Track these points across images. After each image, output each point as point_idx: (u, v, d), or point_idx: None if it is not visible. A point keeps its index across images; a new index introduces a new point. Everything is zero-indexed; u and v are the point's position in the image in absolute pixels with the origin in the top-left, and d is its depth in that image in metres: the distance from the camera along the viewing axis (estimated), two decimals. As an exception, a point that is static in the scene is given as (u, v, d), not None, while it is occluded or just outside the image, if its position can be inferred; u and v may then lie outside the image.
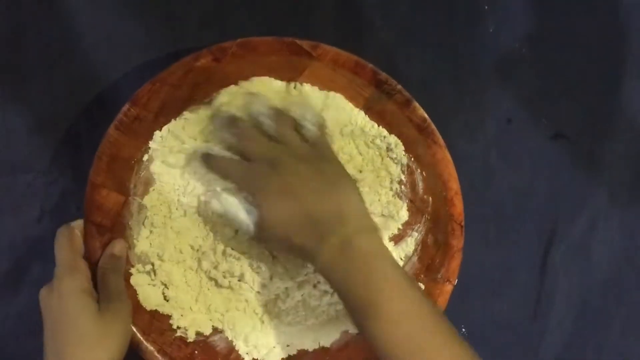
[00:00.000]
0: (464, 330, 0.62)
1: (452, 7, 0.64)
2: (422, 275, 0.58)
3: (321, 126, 0.54)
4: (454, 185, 0.58)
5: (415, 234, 0.59)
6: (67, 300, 0.50)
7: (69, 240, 0.53)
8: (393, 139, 0.58)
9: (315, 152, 0.52)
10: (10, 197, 0.59)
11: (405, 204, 0.59)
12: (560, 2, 0.65)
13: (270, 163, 0.50)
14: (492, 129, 0.64)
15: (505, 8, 0.64)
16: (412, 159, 0.58)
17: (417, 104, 0.57)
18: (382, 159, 0.58)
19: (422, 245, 0.59)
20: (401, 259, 0.59)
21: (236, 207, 0.52)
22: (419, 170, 0.58)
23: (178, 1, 0.60)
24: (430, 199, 0.58)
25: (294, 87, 0.57)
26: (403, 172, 0.58)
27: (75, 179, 0.60)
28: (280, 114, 0.53)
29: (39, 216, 0.60)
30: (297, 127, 0.53)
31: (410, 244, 0.59)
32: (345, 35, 0.62)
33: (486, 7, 0.64)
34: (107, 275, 0.53)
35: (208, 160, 0.54)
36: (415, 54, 0.63)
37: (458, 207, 0.58)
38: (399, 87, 0.57)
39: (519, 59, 0.64)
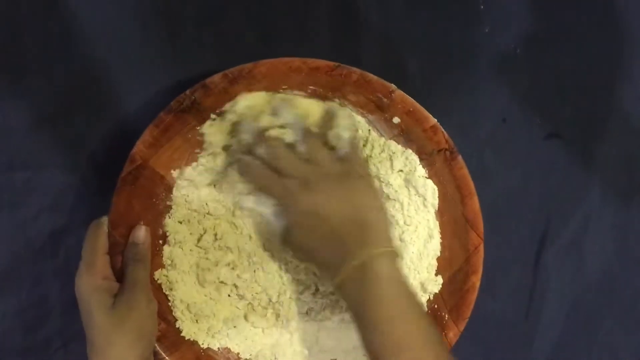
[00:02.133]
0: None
1: (448, 7, 0.64)
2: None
3: (353, 142, 0.54)
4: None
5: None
6: (82, 297, 0.52)
7: (93, 237, 0.53)
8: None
9: (345, 170, 0.53)
10: (9, 194, 0.59)
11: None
12: (556, 3, 0.65)
13: (300, 182, 0.52)
14: (486, 128, 0.64)
15: (501, 8, 0.64)
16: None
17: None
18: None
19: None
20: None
21: (267, 207, 0.54)
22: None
23: (176, 1, 0.60)
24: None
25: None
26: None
27: (74, 176, 0.60)
28: (309, 134, 0.54)
29: (37, 213, 0.60)
30: (328, 141, 0.54)
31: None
32: (342, 34, 0.62)
33: (482, 7, 0.64)
34: (127, 265, 0.54)
35: (245, 170, 0.55)
36: (411, 53, 0.63)
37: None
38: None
39: (514, 59, 0.64)
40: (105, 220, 0.54)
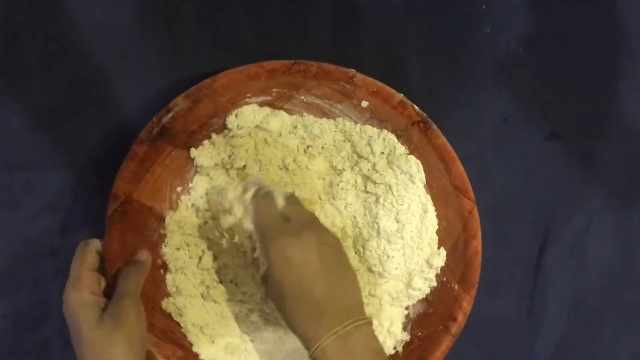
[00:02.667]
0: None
1: (450, 8, 0.64)
2: None
3: (292, 199, 0.53)
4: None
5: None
6: (70, 312, 0.51)
7: (81, 253, 0.53)
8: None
9: (313, 231, 0.51)
10: (8, 194, 0.59)
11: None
12: (557, 3, 0.65)
13: (300, 230, 0.49)
14: (488, 128, 0.64)
15: (503, 9, 0.64)
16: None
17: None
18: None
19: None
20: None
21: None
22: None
23: (176, 1, 0.60)
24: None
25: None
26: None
27: (73, 176, 0.60)
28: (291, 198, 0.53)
29: (36, 213, 0.60)
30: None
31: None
32: (343, 35, 0.62)
33: (483, 7, 0.64)
34: (119, 278, 0.54)
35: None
36: (412, 53, 0.63)
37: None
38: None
39: (516, 59, 0.64)
40: (95, 241, 0.55)
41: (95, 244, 0.54)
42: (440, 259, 0.59)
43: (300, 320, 0.48)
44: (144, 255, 0.56)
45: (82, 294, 0.51)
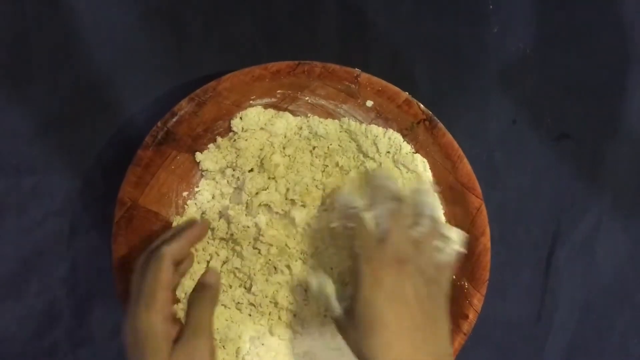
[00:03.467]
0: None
1: (457, 8, 0.63)
2: None
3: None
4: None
5: None
6: (138, 337, 0.45)
7: (156, 269, 0.46)
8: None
9: (438, 279, 0.49)
10: (16, 199, 0.59)
11: None
12: (565, 2, 0.65)
13: (398, 259, 0.47)
14: (496, 129, 0.64)
15: (510, 8, 0.63)
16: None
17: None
18: None
19: None
20: None
21: (331, 290, 0.51)
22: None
23: (182, 4, 0.60)
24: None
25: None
26: None
27: (80, 180, 0.60)
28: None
29: (43, 217, 0.60)
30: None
31: None
32: (349, 37, 0.62)
33: (490, 7, 0.63)
34: (192, 308, 0.48)
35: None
36: (419, 54, 0.63)
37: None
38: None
39: (524, 59, 0.64)
40: (167, 252, 0.48)
41: (168, 258, 0.47)
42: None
43: (377, 347, 0.45)
44: (213, 278, 0.49)
45: (156, 319, 0.45)
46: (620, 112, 0.65)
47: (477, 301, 0.59)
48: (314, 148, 0.58)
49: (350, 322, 0.47)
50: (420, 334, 0.46)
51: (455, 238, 0.50)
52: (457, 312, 0.59)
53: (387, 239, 0.48)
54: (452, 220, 0.59)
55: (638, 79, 0.65)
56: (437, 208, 0.58)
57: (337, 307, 0.49)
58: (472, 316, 0.59)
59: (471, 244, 0.59)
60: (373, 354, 0.45)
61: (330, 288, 0.51)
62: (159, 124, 0.55)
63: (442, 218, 0.58)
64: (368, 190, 0.54)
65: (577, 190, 0.65)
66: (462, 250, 0.51)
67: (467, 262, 0.59)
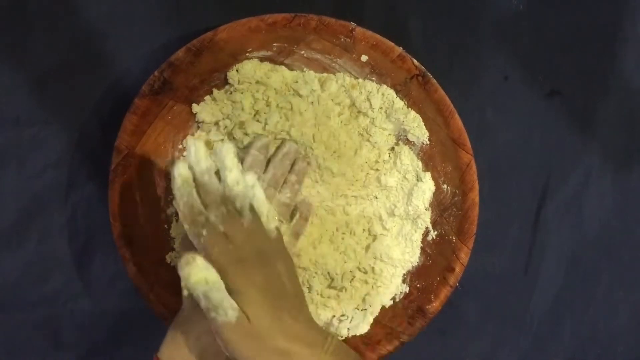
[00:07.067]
0: (459, 286, 0.63)
1: (451, -36, 0.63)
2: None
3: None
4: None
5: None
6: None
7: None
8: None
9: (273, 254, 0.49)
10: (15, 150, 0.60)
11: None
12: (559, -42, 0.65)
13: (255, 253, 0.47)
14: (488, 86, 0.65)
15: (504, -36, 0.63)
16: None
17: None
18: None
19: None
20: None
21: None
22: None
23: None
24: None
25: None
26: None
27: (79, 132, 0.60)
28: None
29: (43, 169, 0.60)
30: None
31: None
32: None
33: (485, -36, 0.64)
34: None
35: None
36: (412, 11, 0.63)
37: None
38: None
39: (516, 15, 0.64)
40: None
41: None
42: (426, 215, 0.60)
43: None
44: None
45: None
46: (611, 69, 0.66)
47: (464, 255, 0.60)
48: (311, 103, 0.59)
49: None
50: (298, 324, 0.47)
51: (265, 213, 0.48)
52: (444, 266, 0.60)
53: (213, 256, 0.46)
54: (443, 176, 0.60)
55: (629, 37, 0.66)
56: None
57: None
58: (459, 269, 0.60)
59: (460, 199, 0.60)
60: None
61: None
62: (155, 73, 0.56)
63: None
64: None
65: (567, 145, 0.66)
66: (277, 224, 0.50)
67: (456, 216, 0.60)
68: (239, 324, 0.45)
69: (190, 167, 0.47)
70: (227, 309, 0.44)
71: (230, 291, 0.45)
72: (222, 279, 0.45)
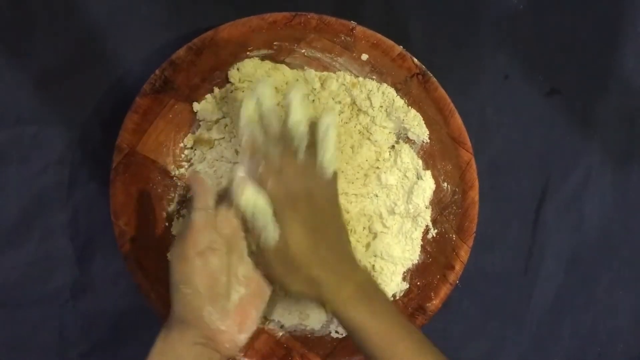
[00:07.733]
0: (459, 284, 0.63)
1: (451, -37, 0.64)
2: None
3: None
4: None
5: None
6: None
7: None
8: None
9: (328, 196, 0.53)
10: (17, 148, 0.60)
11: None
12: (559, -42, 0.65)
13: (288, 196, 0.50)
14: (488, 85, 0.65)
15: (504, -37, 0.64)
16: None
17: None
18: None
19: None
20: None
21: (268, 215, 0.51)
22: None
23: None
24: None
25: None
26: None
27: (80, 131, 0.61)
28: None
29: (44, 167, 0.61)
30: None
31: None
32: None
33: (485, -37, 0.64)
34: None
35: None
36: (413, 10, 0.63)
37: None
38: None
39: (517, 15, 0.64)
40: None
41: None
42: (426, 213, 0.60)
43: (323, 274, 0.50)
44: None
45: None
46: (610, 68, 0.66)
47: (464, 253, 0.60)
48: (312, 101, 0.59)
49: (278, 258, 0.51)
50: (332, 256, 0.51)
51: (328, 157, 0.51)
52: (444, 264, 0.61)
53: (267, 187, 0.50)
54: (443, 174, 0.60)
55: (629, 35, 0.66)
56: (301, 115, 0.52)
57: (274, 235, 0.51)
58: (459, 267, 0.60)
59: (460, 197, 0.60)
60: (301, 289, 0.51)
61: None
62: (157, 72, 0.56)
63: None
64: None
65: (566, 145, 0.66)
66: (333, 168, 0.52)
67: (456, 215, 0.60)
68: (278, 249, 0.50)
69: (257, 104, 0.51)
70: (270, 233, 0.50)
71: (276, 220, 0.50)
72: (271, 207, 0.50)
